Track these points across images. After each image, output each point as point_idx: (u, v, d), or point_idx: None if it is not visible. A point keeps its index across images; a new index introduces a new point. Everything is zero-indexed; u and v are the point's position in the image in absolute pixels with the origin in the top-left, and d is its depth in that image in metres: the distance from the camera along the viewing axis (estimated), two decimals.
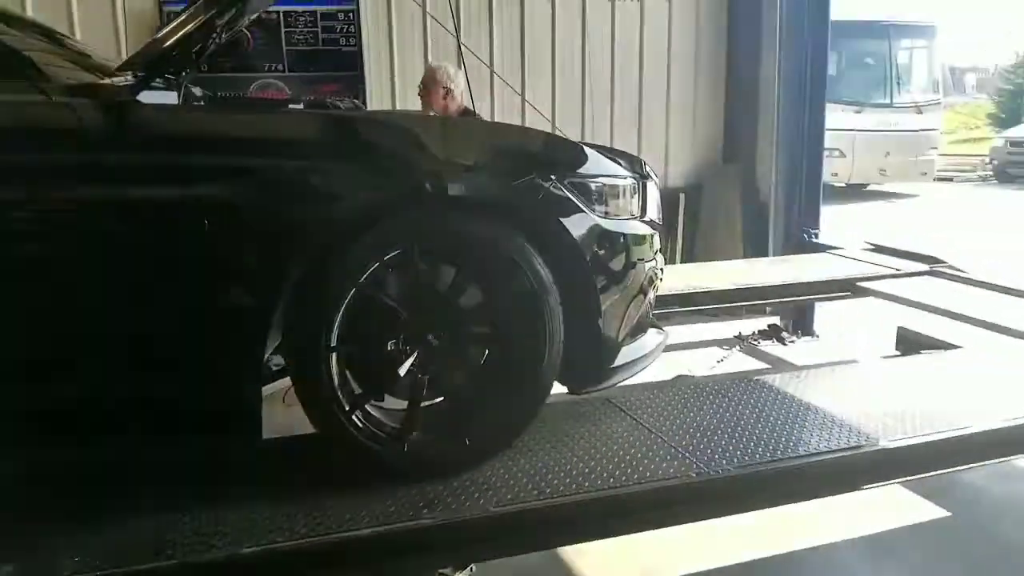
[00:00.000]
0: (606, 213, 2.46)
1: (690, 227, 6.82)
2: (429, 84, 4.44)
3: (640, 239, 2.57)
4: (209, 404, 2.15)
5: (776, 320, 6.13)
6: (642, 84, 6.65)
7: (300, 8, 5.27)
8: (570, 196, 2.36)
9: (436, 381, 2.35)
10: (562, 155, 2.50)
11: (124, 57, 2.57)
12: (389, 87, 5.69)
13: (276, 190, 2.11)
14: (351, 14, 5.35)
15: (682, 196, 6.82)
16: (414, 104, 4.87)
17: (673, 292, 4.41)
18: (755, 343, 5.81)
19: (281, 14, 5.23)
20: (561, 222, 2.34)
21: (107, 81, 2.16)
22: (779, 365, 5.35)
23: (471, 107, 4.60)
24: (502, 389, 2.40)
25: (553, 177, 2.34)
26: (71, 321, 2.04)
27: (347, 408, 2.22)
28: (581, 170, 2.45)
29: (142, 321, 2.07)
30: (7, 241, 1.97)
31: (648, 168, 2.80)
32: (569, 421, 2.74)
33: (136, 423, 2.14)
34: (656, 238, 2.70)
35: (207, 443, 2.26)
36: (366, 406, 2.28)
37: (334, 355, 2.19)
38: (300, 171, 2.12)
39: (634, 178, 2.63)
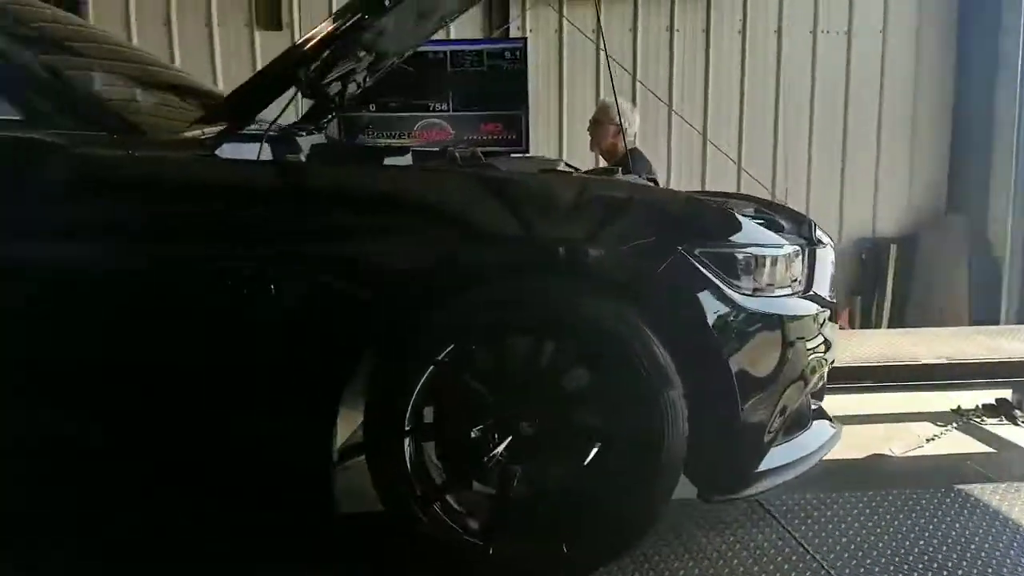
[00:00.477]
0: (754, 289, 2.01)
1: (901, 285, 5.93)
2: (600, 119, 4.17)
3: (799, 318, 2.08)
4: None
5: (1007, 395, 5.06)
6: (847, 123, 5.91)
7: (467, 48, 5.17)
8: (701, 269, 1.92)
9: (531, 475, 1.98)
10: (695, 220, 2.07)
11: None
12: (556, 125, 5.44)
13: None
14: (518, 52, 5.17)
15: (893, 248, 5.96)
16: (582, 142, 4.58)
17: (867, 363, 3.73)
18: (978, 420, 4.82)
19: (448, 54, 5.16)
20: (688, 300, 1.92)
21: (190, 134, 2.02)
22: (1007, 450, 4.37)
23: (639, 151, 4.21)
24: (610, 491, 1.97)
25: (680, 247, 1.91)
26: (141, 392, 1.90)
27: (419, 497, 1.91)
28: (720, 238, 2.01)
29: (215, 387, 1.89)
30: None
31: (818, 231, 2.31)
32: (704, 528, 2.26)
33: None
34: (824, 315, 2.19)
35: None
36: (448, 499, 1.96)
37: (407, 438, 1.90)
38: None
39: (797, 246, 2.15)
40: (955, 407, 4.78)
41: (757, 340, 2.01)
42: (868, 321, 5.92)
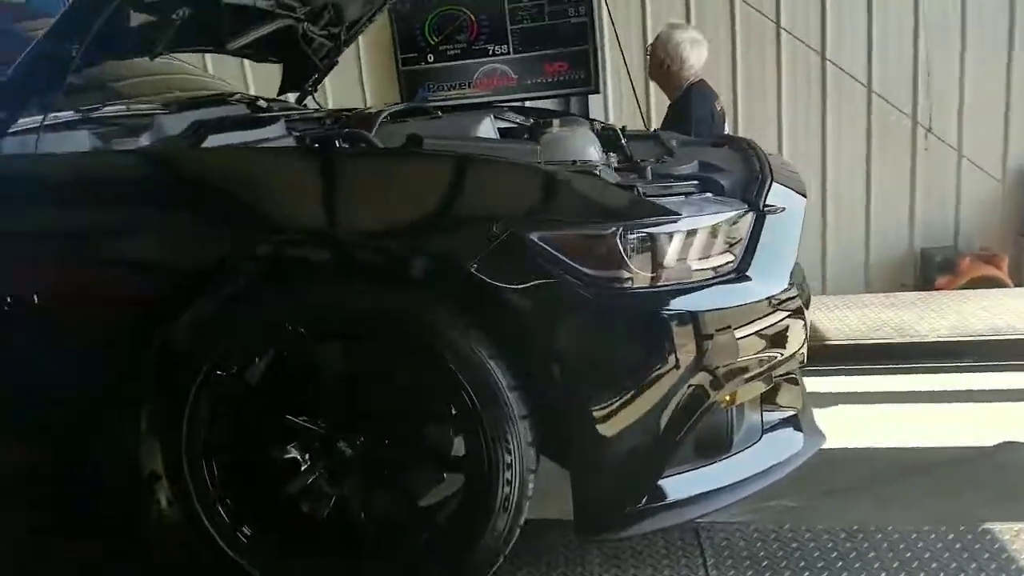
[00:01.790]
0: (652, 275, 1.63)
1: None
2: (649, 51, 3.69)
3: (717, 311, 1.68)
4: None
5: None
6: (1013, 29, 4.82)
7: None
8: (540, 258, 1.55)
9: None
10: (530, 194, 1.67)
11: None
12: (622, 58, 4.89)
13: None
14: None
15: None
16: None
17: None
18: None
19: None
20: (524, 299, 1.56)
21: None
22: None
23: (700, 85, 3.66)
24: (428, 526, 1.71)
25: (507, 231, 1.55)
26: None
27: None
28: (571, 215, 1.62)
29: None
30: None
31: (774, 191, 1.86)
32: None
33: None
34: (776, 302, 1.78)
35: None
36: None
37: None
38: None
39: (721, 214, 1.74)
40: None
41: (631, 338, 1.63)
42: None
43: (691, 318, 1.64)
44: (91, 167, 1.77)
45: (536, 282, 1.57)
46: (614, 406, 1.61)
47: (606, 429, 1.61)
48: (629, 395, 1.62)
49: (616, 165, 2.10)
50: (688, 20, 4.74)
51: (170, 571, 1.95)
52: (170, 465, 1.73)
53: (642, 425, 1.64)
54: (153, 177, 1.73)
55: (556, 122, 2.27)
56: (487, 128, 2.23)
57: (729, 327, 1.70)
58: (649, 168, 1.90)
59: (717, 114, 3.64)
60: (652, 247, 1.63)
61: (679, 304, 1.65)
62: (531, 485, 1.67)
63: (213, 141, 1.90)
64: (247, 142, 1.94)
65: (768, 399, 1.94)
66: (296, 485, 1.73)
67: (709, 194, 1.85)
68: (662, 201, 1.72)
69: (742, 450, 1.85)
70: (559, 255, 1.57)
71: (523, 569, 1.88)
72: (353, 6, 3.02)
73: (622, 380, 1.62)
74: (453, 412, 1.63)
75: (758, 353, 1.77)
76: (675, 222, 1.65)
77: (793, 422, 2.00)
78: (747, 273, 1.77)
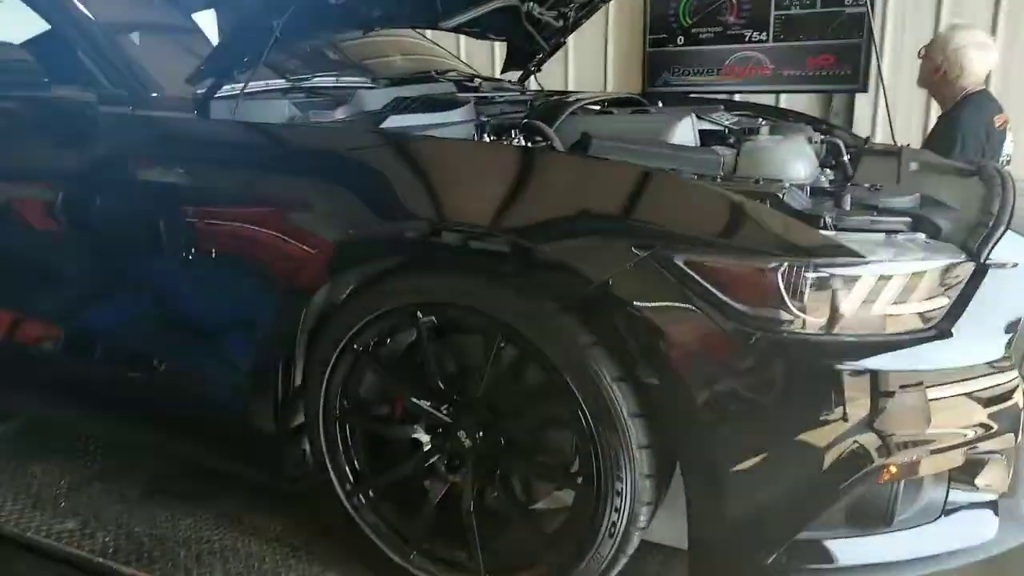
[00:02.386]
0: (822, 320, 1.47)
1: None
2: (923, 54, 3.29)
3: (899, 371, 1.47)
4: None
5: None
6: None
7: None
8: (684, 277, 1.45)
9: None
10: (689, 212, 1.54)
11: None
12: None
13: None
14: None
15: None
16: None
17: None
18: None
19: None
20: (662, 319, 1.47)
21: None
22: None
23: (980, 96, 3.21)
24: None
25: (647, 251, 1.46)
26: None
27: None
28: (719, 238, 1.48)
29: None
30: None
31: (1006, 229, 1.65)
32: None
33: None
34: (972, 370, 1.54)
35: None
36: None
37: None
38: None
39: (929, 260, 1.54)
40: None
41: (776, 387, 1.45)
42: None
43: (860, 374, 1.44)
44: (281, 138, 1.90)
45: (675, 308, 1.46)
46: (745, 450, 1.47)
47: (734, 472, 1.48)
48: (765, 443, 1.47)
49: (825, 186, 1.90)
50: (995, 24, 4.14)
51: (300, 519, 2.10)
52: (309, 422, 1.86)
53: (776, 477, 1.49)
54: (330, 153, 1.82)
55: (764, 129, 2.09)
56: (686, 129, 2.10)
57: (912, 389, 1.47)
58: (849, 196, 1.68)
59: (995, 132, 3.15)
60: (827, 290, 1.45)
61: (847, 357, 1.45)
62: (643, 518, 1.58)
63: (395, 121, 1.98)
64: (428, 124, 1.99)
65: (964, 477, 1.68)
66: (415, 463, 1.77)
67: (920, 235, 1.61)
68: (852, 238, 1.53)
69: (911, 527, 1.62)
70: (706, 284, 1.44)
71: None
72: None
73: (759, 425, 1.47)
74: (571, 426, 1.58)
75: (946, 426, 1.52)
76: (857, 265, 1.46)
77: (992, 507, 1.71)
78: (950, 332, 1.53)
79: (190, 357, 2.00)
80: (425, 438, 1.78)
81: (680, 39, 4.80)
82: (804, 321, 1.44)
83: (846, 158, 2.13)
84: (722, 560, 1.59)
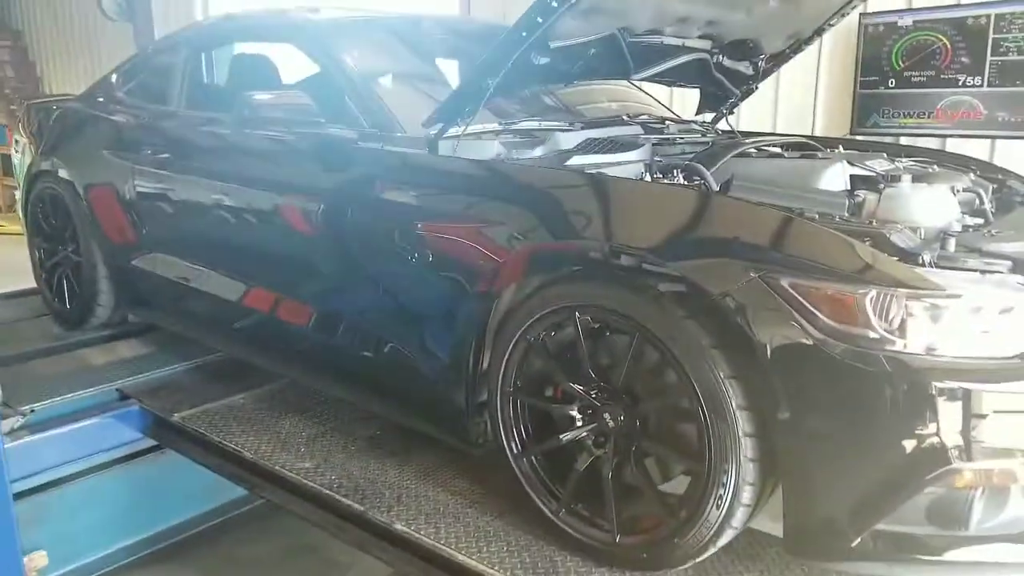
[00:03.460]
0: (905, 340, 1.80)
1: None
2: None
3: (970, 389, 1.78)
4: None
5: None
6: None
7: (1018, 9, 4.42)
8: (787, 296, 1.85)
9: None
10: (800, 244, 1.92)
11: None
12: None
13: None
14: None
15: None
16: None
17: None
18: None
19: (992, 17, 4.51)
20: (767, 329, 1.87)
21: None
22: None
23: None
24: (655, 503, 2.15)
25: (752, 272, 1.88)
26: None
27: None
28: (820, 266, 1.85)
29: None
30: None
31: None
32: None
33: None
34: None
35: None
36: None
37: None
38: None
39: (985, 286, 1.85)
40: None
41: (863, 395, 1.80)
42: None
43: (938, 388, 1.76)
44: (488, 171, 2.48)
45: (779, 322, 1.85)
46: (833, 443, 1.83)
47: (825, 464, 1.84)
48: (848, 443, 1.82)
49: (959, 230, 2.19)
50: None
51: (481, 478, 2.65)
52: (490, 399, 2.40)
53: (858, 473, 1.83)
54: (525, 184, 2.37)
55: (906, 177, 2.39)
56: (835, 174, 2.43)
57: (981, 404, 1.77)
58: (953, 240, 1.98)
59: None
60: (915, 315, 1.78)
61: (927, 373, 1.77)
62: (746, 494, 1.95)
63: (577, 159, 2.51)
64: (605, 163, 2.50)
65: None
66: (568, 436, 2.26)
67: (1015, 277, 1.88)
68: (947, 275, 1.84)
69: (990, 535, 1.88)
70: (805, 303, 1.82)
71: None
72: (773, 40, 3.36)
73: (844, 426, 1.82)
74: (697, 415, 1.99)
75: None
76: (938, 296, 1.78)
77: None
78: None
79: (408, 341, 2.62)
80: (578, 416, 2.26)
81: (891, 82, 4.96)
82: (890, 340, 1.78)
83: (988, 206, 2.37)
84: (813, 544, 1.94)
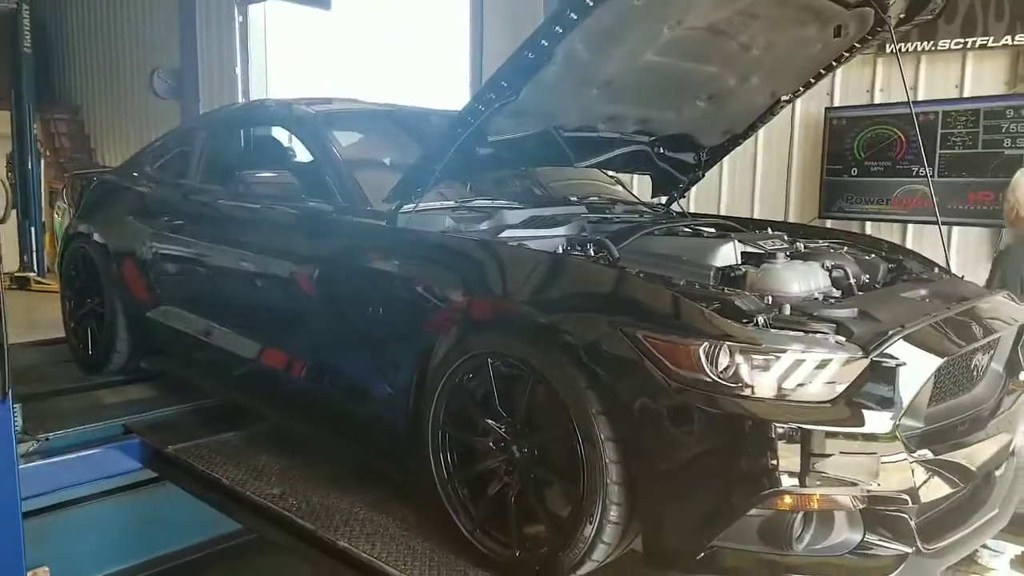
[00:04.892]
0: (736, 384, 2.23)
1: None
2: (1006, 198, 3.83)
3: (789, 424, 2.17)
4: None
5: None
6: None
7: (961, 107, 4.89)
8: (640, 346, 2.30)
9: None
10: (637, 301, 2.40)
11: None
12: None
13: None
14: (1023, 111, 4.64)
15: None
16: None
17: None
18: None
19: (940, 114, 4.97)
20: (626, 373, 2.32)
21: None
22: None
23: None
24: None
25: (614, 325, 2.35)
26: None
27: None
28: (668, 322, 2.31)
29: None
30: None
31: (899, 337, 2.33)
32: None
33: None
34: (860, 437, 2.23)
35: None
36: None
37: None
38: None
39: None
40: None
41: (698, 429, 2.21)
42: None
43: (760, 423, 2.17)
44: (430, 241, 3.00)
45: (634, 366, 2.29)
46: (677, 469, 2.24)
47: (671, 487, 2.26)
48: (689, 467, 2.23)
49: (816, 297, 2.63)
50: None
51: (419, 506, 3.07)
52: (425, 429, 2.84)
53: (698, 493, 2.24)
54: (459, 251, 2.88)
55: (782, 257, 2.83)
56: (727, 252, 2.88)
57: (798, 440, 2.16)
58: (789, 306, 2.41)
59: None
60: (740, 364, 2.21)
61: (753, 410, 2.18)
62: (613, 513, 2.35)
63: (510, 232, 3.02)
64: (530, 236, 3.00)
65: (887, 530, 2.29)
66: (484, 465, 2.67)
67: (833, 337, 2.30)
68: (774, 333, 2.27)
69: (815, 555, 2.26)
70: (654, 351, 2.27)
71: None
72: (709, 135, 3.85)
73: (684, 453, 2.24)
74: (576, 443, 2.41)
75: (829, 471, 2.18)
76: (754, 348, 2.21)
77: (903, 559, 2.28)
78: (844, 407, 2.22)
79: (364, 383, 3.10)
80: (492, 447, 2.69)
81: (854, 170, 5.42)
82: (721, 385, 2.21)
83: (852, 281, 2.81)
84: (665, 559, 2.33)
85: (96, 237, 4.64)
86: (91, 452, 3.71)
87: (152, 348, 4.41)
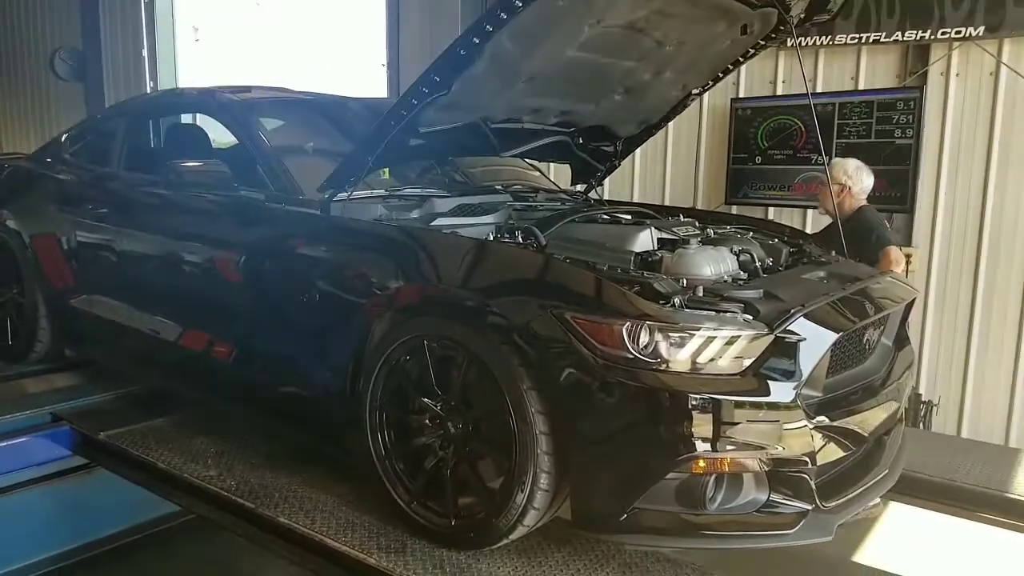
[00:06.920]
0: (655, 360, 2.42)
1: None
2: (833, 175, 4.45)
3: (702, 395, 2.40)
4: None
5: None
6: None
7: (856, 99, 5.25)
8: (569, 326, 2.48)
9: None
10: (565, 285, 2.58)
11: None
12: (982, 178, 5.11)
13: None
14: (912, 103, 5.03)
15: None
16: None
17: None
18: None
19: (836, 105, 5.33)
20: (555, 351, 2.50)
21: None
22: None
23: (868, 207, 4.54)
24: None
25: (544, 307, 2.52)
26: None
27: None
28: (593, 304, 2.50)
29: None
30: None
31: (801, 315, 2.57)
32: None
33: None
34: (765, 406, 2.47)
35: None
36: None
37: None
38: None
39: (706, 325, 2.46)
40: None
41: (606, 402, 2.42)
42: None
43: (676, 393, 2.39)
44: (363, 228, 3.12)
45: (563, 344, 2.48)
46: (601, 438, 2.44)
47: (596, 455, 2.46)
48: (613, 436, 2.44)
49: (725, 279, 2.86)
50: None
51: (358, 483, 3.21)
52: (363, 408, 2.96)
53: (620, 460, 2.45)
54: (388, 238, 3.01)
55: (695, 243, 3.06)
56: (645, 238, 3.09)
57: (710, 409, 2.39)
58: (702, 288, 2.63)
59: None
60: (659, 341, 2.42)
61: (670, 383, 2.40)
62: (543, 480, 2.53)
63: (441, 220, 3.16)
64: (460, 224, 3.15)
65: (789, 490, 2.54)
66: (420, 440, 2.83)
67: (741, 315, 2.54)
68: (688, 312, 2.49)
69: (727, 513, 2.50)
70: (581, 331, 2.46)
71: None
72: (625, 126, 4.06)
73: (610, 422, 2.44)
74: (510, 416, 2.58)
75: (738, 437, 2.41)
76: (671, 327, 2.42)
77: (804, 515, 2.54)
78: (751, 378, 2.46)
79: (302, 367, 3.21)
80: (428, 424, 2.84)
81: (758, 159, 5.75)
82: (642, 360, 2.42)
83: (758, 265, 3.06)
84: (592, 521, 2.54)
85: (11, 224, 4.56)
86: (18, 441, 3.70)
87: (77, 336, 4.39)
